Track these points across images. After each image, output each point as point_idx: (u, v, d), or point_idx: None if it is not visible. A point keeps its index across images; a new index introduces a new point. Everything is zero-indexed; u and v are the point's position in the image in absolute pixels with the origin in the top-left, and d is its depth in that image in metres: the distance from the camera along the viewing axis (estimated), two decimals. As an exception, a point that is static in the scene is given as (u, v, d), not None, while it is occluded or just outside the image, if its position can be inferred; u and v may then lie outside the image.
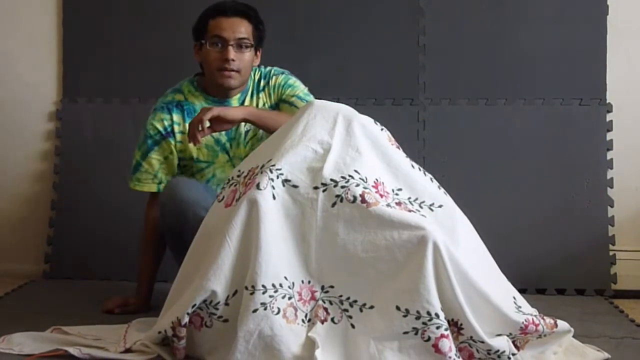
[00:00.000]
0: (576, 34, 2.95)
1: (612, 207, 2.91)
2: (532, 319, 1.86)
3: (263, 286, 1.78)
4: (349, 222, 1.84)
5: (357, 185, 1.86)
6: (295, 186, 1.88)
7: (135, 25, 3.07)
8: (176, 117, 2.38)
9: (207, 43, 2.31)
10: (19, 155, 3.12)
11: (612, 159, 2.93)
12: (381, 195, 1.89)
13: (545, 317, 1.93)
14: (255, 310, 1.77)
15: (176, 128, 2.38)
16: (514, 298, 1.96)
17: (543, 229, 2.91)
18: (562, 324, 1.96)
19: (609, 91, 2.94)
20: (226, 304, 1.83)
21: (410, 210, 1.89)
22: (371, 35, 3.03)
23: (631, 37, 2.96)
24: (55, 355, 1.91)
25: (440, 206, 1.95)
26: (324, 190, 1.87)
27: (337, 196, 1.86)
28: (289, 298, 1.82)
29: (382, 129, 2.04)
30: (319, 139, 1.95)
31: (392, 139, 2.05)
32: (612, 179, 2.92)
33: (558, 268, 2.88)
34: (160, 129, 2.38)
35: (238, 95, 2.40)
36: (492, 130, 2.97)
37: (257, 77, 2.44)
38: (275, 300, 1.79)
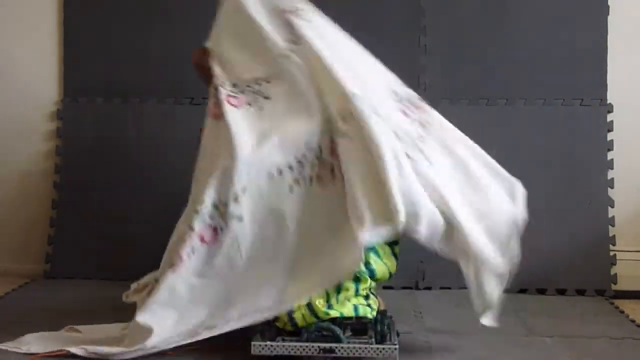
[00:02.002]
0: (577, 34, 2.95)
1: (612, 207, 2.91)
2: None
3: None
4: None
5: None
6: None
7: (136, 25, 3.07)
8: None
9: None
10: (20, 154, 3.12)
11: (612, 159, 2.92)
12: None
13: None
14: None
15: None
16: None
17: (543, 229, 2.89)
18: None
19: (609, 91, 2.94)
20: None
21: None
22: (371, 36, 3.01)
23: (632, 37, 2.96)
24: (58, 354, 1.92)
25: None
26: None
27: None
28: None
29: None
30: None
31: None
32: (612, 179, 2.92)
33: (558, 268, 2.87)
34: None
35: None
36: (493, 131, 2.96)
37: None
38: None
